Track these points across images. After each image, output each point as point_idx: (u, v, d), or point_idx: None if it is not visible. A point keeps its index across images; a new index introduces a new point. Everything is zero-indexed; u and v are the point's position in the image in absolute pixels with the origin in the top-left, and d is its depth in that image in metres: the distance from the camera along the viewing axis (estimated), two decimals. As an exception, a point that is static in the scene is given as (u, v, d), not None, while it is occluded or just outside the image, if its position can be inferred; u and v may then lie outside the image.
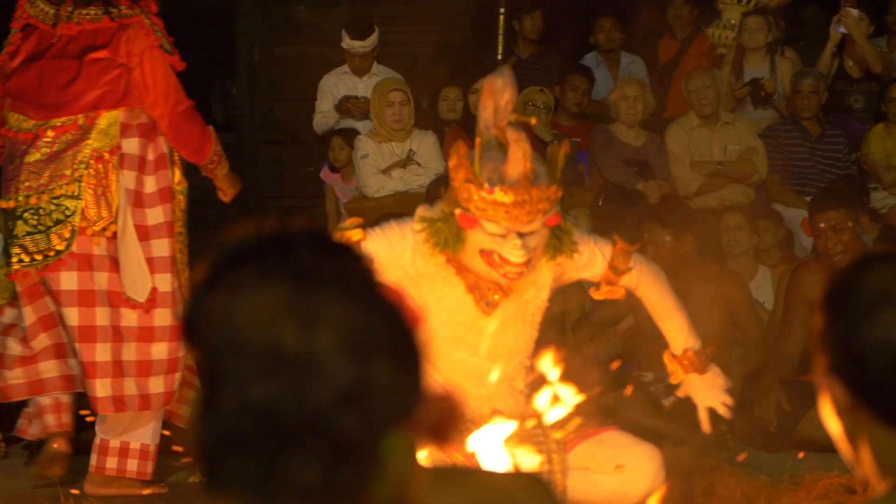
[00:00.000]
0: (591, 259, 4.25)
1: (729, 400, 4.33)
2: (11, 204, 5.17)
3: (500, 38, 7.80)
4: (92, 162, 5.09)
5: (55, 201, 5.12)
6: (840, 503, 4.96)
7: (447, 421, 1.48)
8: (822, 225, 6.21)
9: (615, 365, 6.12)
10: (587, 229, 7.51)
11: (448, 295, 4.18)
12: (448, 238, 4.10)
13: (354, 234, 4.15)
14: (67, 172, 5.10)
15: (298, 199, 9.09)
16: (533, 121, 4.11)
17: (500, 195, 3.99)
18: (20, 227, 5.14)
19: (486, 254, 4.08)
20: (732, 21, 8.67)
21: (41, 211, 5.11)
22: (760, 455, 5.90)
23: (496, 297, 4.19)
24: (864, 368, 1.79)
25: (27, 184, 5.13)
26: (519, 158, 3.98)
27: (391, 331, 1.44)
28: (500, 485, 1.74)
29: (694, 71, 8.24)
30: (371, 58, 8.39)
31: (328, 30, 8.81)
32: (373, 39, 8.31)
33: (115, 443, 5.20)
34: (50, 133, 5.13)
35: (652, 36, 9.07)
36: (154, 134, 5.19)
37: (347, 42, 8.30)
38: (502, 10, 7.86)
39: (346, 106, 8.27)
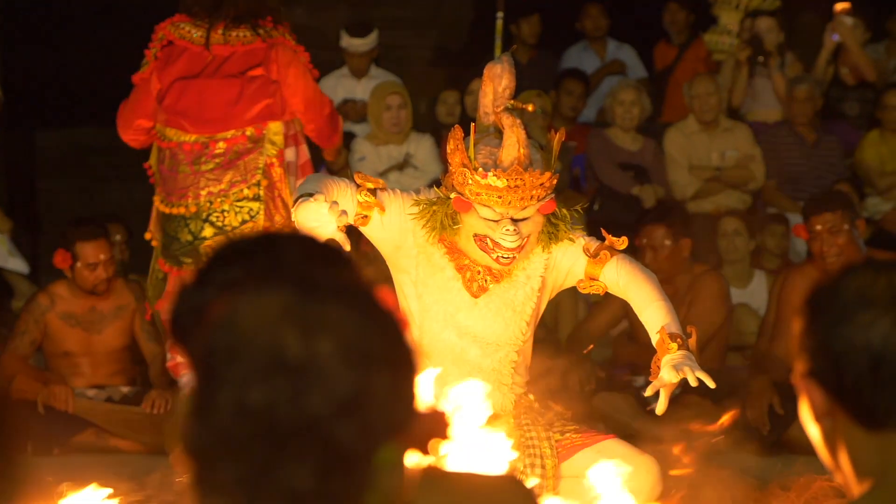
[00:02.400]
0: (577, 251, 4.22)
1: (705, 376, 4.04)
2: (193, 209, 5.45)
3: (498, 42, 7.82)
4: (266, 168, 5.46)
5: (238, 204, 5.41)
6: (830, 507, 4.95)
7: (435, 435, 1.49)
8: (818, 227, 6.19)
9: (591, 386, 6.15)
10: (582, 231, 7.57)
11: (439, 273, 4.18)
12: (443, 221, 4.10)
13: (376, 182, 4.15)
14: (247, 178, 5.43)
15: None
16: (530, 107, 4.12)
17: (493, 180, 4.00)
18: (207, 230, 5.44)
19: (479, 238, 4.08)
20: (729, 27, 8.71)
21: (225, 214, 5.44)
22: (751, 458, 5.89)
23: (487, 279, 4.18)
24: (842, 371, 1.79)
25: (208, 189, 5.44)
26: (513, 144, 3.99)
27: (390, 342, 1.45)
28: (481, 487, 1.75)
29: (697, 77, 8.26)
30: (369, 59, 8.41)
31: (327, 32, 8.84)
32: (372, 38, 8.34)
33: None
34: (221, 144, 5.49)
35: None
36: (300, 141, 5.63)
37: (347, 41, 8.32)
38: (500, 14, 7.88)
39: (344, 109, 8.29)
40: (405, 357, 1.47)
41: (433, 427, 1.47)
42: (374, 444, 1.42)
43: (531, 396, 4.37)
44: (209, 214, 5.44)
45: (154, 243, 5.57)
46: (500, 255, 4.08)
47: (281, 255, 1.75)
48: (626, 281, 4.14)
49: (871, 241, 7.13)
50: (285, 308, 1.43)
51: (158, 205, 5.54)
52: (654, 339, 4.06)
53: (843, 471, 1.85)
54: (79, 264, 6.34)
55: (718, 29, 8.81)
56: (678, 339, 4.01)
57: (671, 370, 3.93)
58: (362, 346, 1.42)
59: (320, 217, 3.92)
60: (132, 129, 5.57)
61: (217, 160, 5.47)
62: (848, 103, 8.64)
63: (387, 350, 1.44)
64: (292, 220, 3.97)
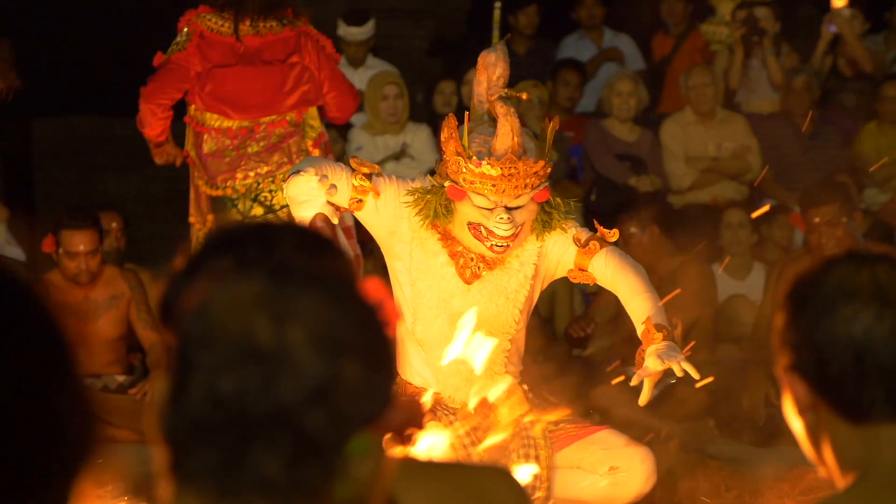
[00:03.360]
0: (567, 241, 4.22)
1: (689, 367, 3.89)
2: (242, 190, 5.71)
3: (496, 33, 7.80)
4: (308, 151, 5.75)
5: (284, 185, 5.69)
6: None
7: (411, 426, 1.50)
8: (817, 219, 6.18)
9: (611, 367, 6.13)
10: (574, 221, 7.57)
11: (433, 259, 4.19)
12: (437, 209, 4.11)
13: (371, 167, 4.17)
14: (293, 159, 5.68)
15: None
16: (524, 96, 4.12)
17: (487, 168, 4.01)
18: (256, 209, 5.70)
19: (473, 226, 4.09)
20: (727, 17, 8.70)
21: (272, 194, 5.70)
22: (745, 449, 5.90)
23: (480, 266, 4.19)
24: (825, 364, 1.80)
25: (255, 171, 5.71)
26: (507, 132, 4.00)
27: (364, 332, 1.45)
28: (470, 478, 1.75)
29: (694, 68, 8.26)
30: (366, 48, 8.41)
31: (324, 22, 8.81)
32: (369, 27, 8.33)
33: None
34: (264, 129, 5.76)
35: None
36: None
37: (344, 29, 8.32)
38: (498, 5, 7.86)
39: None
40: (380, 347, 1.46)
41: (409, 417, 1.47)
42: (345, 433, 1.41)
43: (525, 386, 4.37)
44: (257, 194, 5.70)
45: (197, 227, 5.80)
46: (494, 243, 4.09)
47: (273, 246, 1.75)
48: (613, 272, 4.14)
49: (869, 233, 7.12)
50: (258, 296, 1.42)
51: (204, 188, 5.78)
52: (640, 329, 4.05)
53: (827, 464, 1.85)
54: (61, 250, 6.33)
55: (716, 19, 8.79)
56: (664, 330, 4.00)
57: (656, 359, 3.93)
58: (334, 334, 1.42)
59: (310, 191, 3.98)
60: (152, 104, 5.72)
61: (262, 143, 5.74)
62: (845, 94, 8.63)
63: (360, 339, 1.43)
64: (283, 195, 4.05)
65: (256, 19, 5.72)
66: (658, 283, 6.38)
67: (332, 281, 1.46)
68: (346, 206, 4.15)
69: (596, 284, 4.23)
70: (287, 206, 5.59)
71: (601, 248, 4.16)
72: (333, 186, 4.02)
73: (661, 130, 8.16)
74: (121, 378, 6.52)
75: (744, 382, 6.13)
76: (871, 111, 8.24)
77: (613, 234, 4.19)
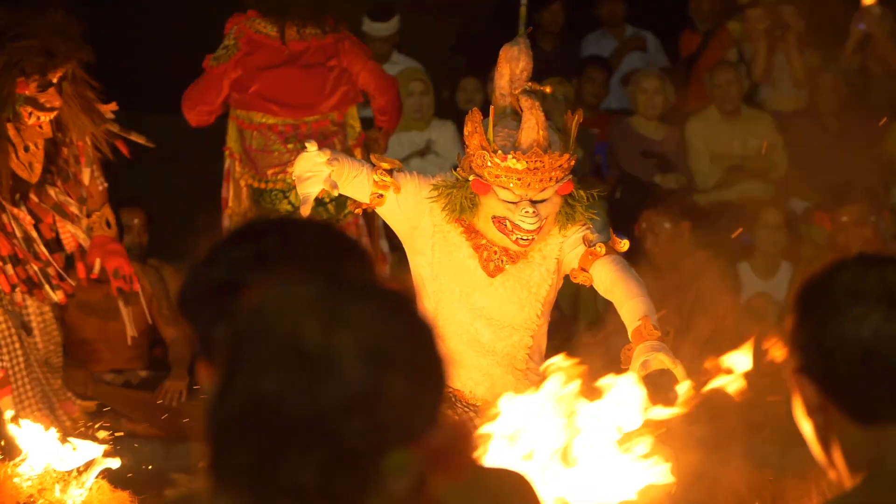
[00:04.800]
0: (578, 239, 4.19)
1: (681, 369, 3.80)
2: (293, 183, 5.97)
3: (522, 30, 7.78)
4: (352, 150, 6.16)
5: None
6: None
7: (457, 450, 1.45)
8: (845, 219, 6.15)
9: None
10: (604, 221, 7.56)
11: (456, 252, 4.18)
12: (463, 203, 4.11)
13: (392, 163, 4.18)
14: None
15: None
16: (548, 89, 4.12)
17: (512, 162, 4.00)
18: None
19: (498, 220, 4.09)
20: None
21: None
22: (766, 448, 5.86)
23: (503, 259, 4.17)
24: (833, 365, 1.81)
25: None
26: (532, 126, 4.00)
27: (414, 347, 1.44)
28: (485, 479, 1.74)
29: (718, 66, 8.24)
30: (391, 44, 8.40)
31: (349, 18, 8.81)
32: (394, 23, 8.33)
33: None
34: (309, 127, 6.19)
35: None
36: None
37: (368, 25, 8.32)
38: (524, 1, 7.84)
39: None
40: (429, 365, 1.45)
41: (454, 442, 1.43)
42: (383, 446, 1.40)
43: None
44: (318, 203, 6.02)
45: (236, 219, 6.10)
46: (519, 236, 4.09)
47: (292, 240, 1.75)
48: (613, 277, 4.08)
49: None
50: (312, 299, 1.42)
51: (251, 181, 6.18)
52: (634, 325, 3.95)
53: (837, 466, 1.86)
54: None
55: (743, 16, 8.75)
56: (660, 331, 3.93)
57: (665, 356, 3.84)
58: (383, 345, 1.41)
59: (314, 166, 4.01)
60: (195, 112, 6.22)
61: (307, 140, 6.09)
62: (874, 93, 8.58)
63: (409, 354, 1.42)
64: (291, 174, 4.12)
65: (301, 25, 6.19)
66: (679, 280, 6.36)
67: (388, 293, 1.46)
68: (368, 202, 4.16)
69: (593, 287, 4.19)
70: (334, 199, 5.87)
71: (607, 252, 4.12)
72: (336, 159, 4.05)
73: (687, 128, 8.14)
74: (143, 373, 6.53)
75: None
76: (899, 110, 8.19)
77: (624, 244, 4.17)
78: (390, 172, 4.15)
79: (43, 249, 5.41)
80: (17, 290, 5.37)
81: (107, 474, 4.76)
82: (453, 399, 4.25)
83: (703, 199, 8.01)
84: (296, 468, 1.38)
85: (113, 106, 5.58)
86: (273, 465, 1.38)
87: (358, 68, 6.29)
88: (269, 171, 6.17)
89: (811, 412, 1.85)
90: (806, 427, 1.86)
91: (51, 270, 5.42)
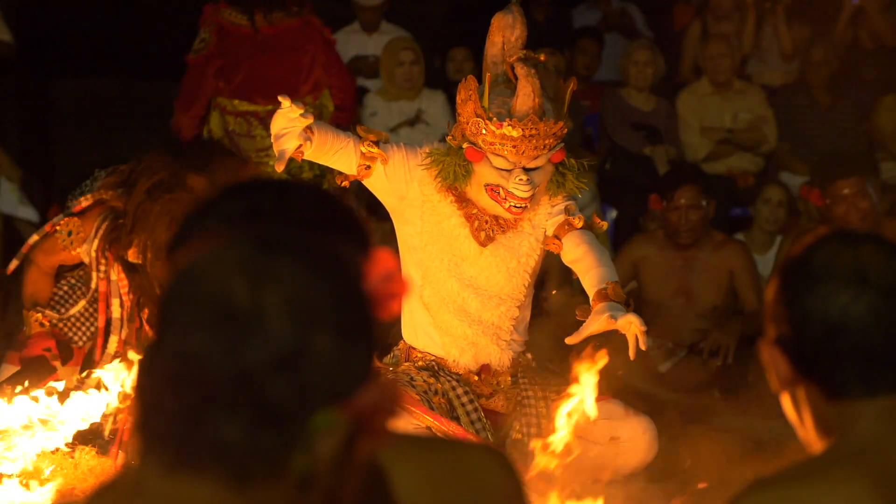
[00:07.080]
0: (560, 208, 4.22)
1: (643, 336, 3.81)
2: (263, 168, 6.22)
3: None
4: None
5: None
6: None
7: (384, 411, 1.44)
8: (846, 191, 6.09)
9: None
10: (593, 192, 7.57)
11: (446, 221, 4.19)
12: (456, 171, 4.12)
13: (378, 135, 4.18)
14: None
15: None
16: (542, 57, 4.13)
17: (508, 129, 4.01)
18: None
19: (491, 188, 4.10)
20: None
21: (301, 169, 6.10)
22: (748, 419, 5.89)
23: (493, 229, 4.20)
24: (802, 341, 1.82)
25: None
26: (528, 93, 4.00)
27: (344, 308, 1.42)
28: (457, 456, 1.71)
29: (710, 38, 8.24)
30: (380, 13, 8.39)
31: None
32: (384, -9, 8.32)
33: None
34: None
35: None
36: None
37: (358, -7, 8.31)
38: (516, -29, 7.84)
39: (356, 66, 8.27)
40: (360, 325, 1.43)
41: (382, 401, 1.42)
42: (309, 405, 1.39)
43: (528, 355, 4.38)
44: (290, 170, 6.01)
45: None
46: (512, 204, 4.10)
47: (286, 198, 1.74)
48: (585, 249, 4.10)
49: (892, 210, 7.08)
50: (242, 259, 1.41)
51: None
52: (600, 287, 3.94)
53: (810, 437, 1.87)
54: None
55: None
56: (626, 298, 3.93)
57: (635, 319, 3.82)
58: (312, 304, 1.40)
59: (288, 122, 3.97)
60: (189, 115, 6.41)
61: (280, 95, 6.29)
62: (865, 67, 8.59)
63: (339, 314, 1.41)
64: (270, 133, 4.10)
65: (268, 10, 6.33)
66: (698, 254, 6.37)
67: (320, 253, 1.44)
68: (355, 174, 4.16)
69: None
70: (314, 180, 5.91)
71: (583, 226, 4.15)
72: (310, 113, 4.00)
73: (677, 101, 8.14)
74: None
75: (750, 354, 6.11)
76: (890, 84, 8.20)
77: (602, 226, 4.23)
78: (377, 144, 4.15)
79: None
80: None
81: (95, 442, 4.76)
82: (436, 367, 4.29)
83: (693, 172, 8.02)
84: (221, 427, 1.37)
85: None
86: (198, 424, 1.37)
87: (322, 59, 6.49)
88: (253, 154, 6.33)
89: (784, 384, 1.86)
90: (780, 396, 1.88)
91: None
